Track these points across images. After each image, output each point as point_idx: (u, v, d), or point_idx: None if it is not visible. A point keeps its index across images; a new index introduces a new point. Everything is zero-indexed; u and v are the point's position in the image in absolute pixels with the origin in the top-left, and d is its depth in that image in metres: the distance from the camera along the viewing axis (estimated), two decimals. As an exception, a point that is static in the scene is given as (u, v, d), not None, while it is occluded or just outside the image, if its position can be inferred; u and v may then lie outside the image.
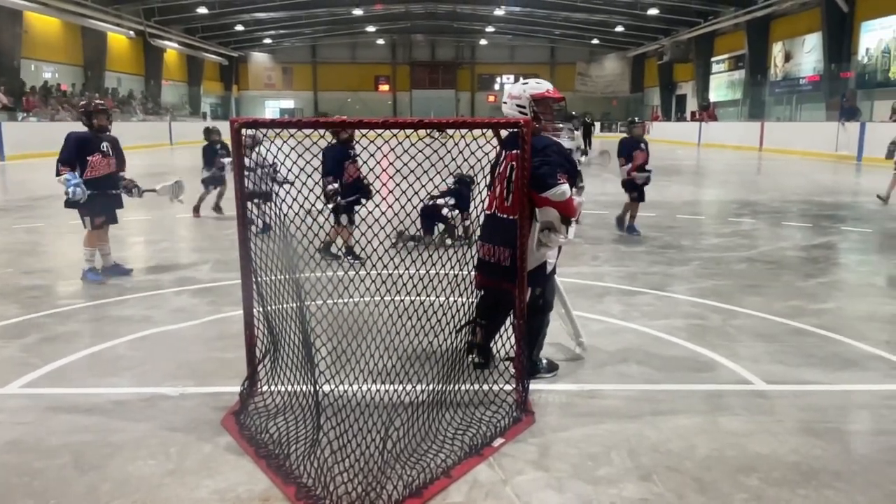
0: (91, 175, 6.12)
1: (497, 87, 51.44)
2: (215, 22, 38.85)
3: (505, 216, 3.71)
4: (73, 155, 6.05)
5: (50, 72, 29.77)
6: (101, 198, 6.23)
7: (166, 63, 39.32)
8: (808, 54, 28.98)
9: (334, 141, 6.59)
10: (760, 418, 3.51)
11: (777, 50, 31.69)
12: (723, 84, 37.30)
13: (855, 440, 3.35)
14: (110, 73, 33.75)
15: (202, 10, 34.53)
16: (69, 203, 6.09)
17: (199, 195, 10.25)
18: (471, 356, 3.96)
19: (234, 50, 46.65)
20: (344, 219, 6.76)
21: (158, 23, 35.34)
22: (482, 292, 3.86)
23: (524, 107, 3.77)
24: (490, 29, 45.72)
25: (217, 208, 10.37)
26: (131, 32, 33.93)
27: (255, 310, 3.59)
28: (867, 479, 2.94)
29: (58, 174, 6.01)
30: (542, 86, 3.80)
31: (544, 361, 4.05)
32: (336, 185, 6.61)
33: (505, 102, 3.86)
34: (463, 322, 3.59)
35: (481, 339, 3.99)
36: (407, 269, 3.37)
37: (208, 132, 10.58)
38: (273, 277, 3.49)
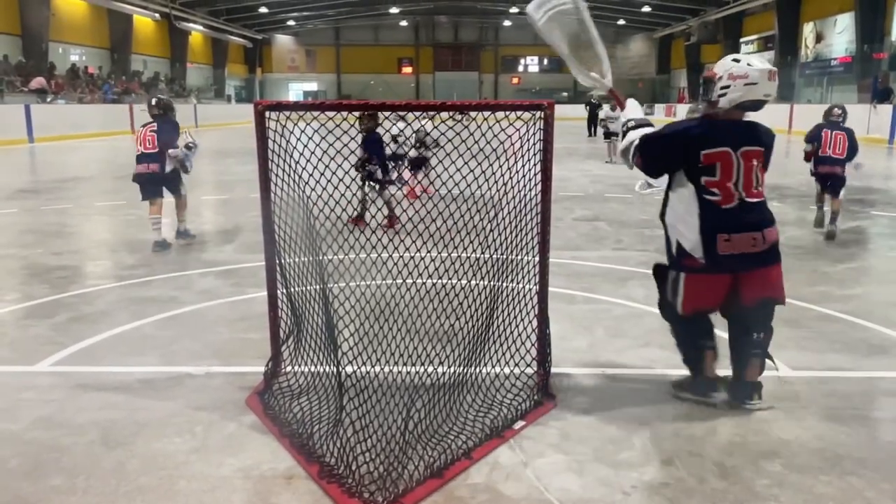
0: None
1: (521, 68, 50.92)
2: (239, 4, 38.96)
3: None
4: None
5: (77, 54, 30.08)
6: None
7: (191, 45, 39.55)
8: (840, 35, 28.34)
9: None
10: (784, 404, 3.47)
11: (808, 30, 31.03)
12: (751, 65, 36.55)
13: (881, 427, 3.30)
14: (136, 56, 34.09)
15: (226, -8, 34.72)
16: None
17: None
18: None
19: (257, 32, 46.73)
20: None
21: (183, 5, 35.54)
22: None
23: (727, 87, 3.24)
24: (514, 10, 45.20)
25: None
26: (157, 15, 34.21)
27: (278, 291, 3.63)
28: (894, 467, 2.90)
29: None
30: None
31: (690, 374, 3.54)
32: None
33: (727, 86, 3.24)
34: None
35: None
36: (429, 251, 3.37)
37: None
38: (297, 259, 3.52)
